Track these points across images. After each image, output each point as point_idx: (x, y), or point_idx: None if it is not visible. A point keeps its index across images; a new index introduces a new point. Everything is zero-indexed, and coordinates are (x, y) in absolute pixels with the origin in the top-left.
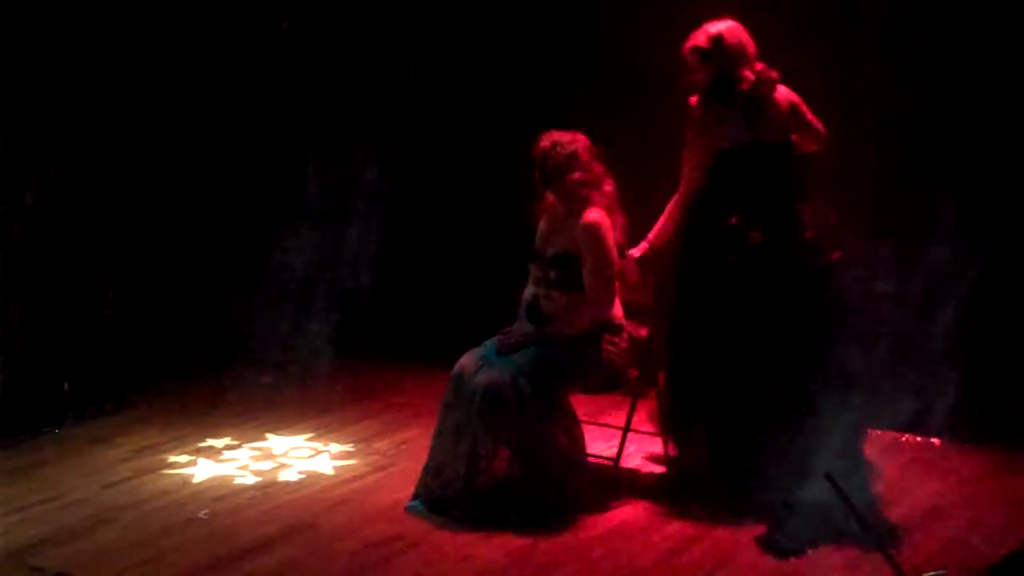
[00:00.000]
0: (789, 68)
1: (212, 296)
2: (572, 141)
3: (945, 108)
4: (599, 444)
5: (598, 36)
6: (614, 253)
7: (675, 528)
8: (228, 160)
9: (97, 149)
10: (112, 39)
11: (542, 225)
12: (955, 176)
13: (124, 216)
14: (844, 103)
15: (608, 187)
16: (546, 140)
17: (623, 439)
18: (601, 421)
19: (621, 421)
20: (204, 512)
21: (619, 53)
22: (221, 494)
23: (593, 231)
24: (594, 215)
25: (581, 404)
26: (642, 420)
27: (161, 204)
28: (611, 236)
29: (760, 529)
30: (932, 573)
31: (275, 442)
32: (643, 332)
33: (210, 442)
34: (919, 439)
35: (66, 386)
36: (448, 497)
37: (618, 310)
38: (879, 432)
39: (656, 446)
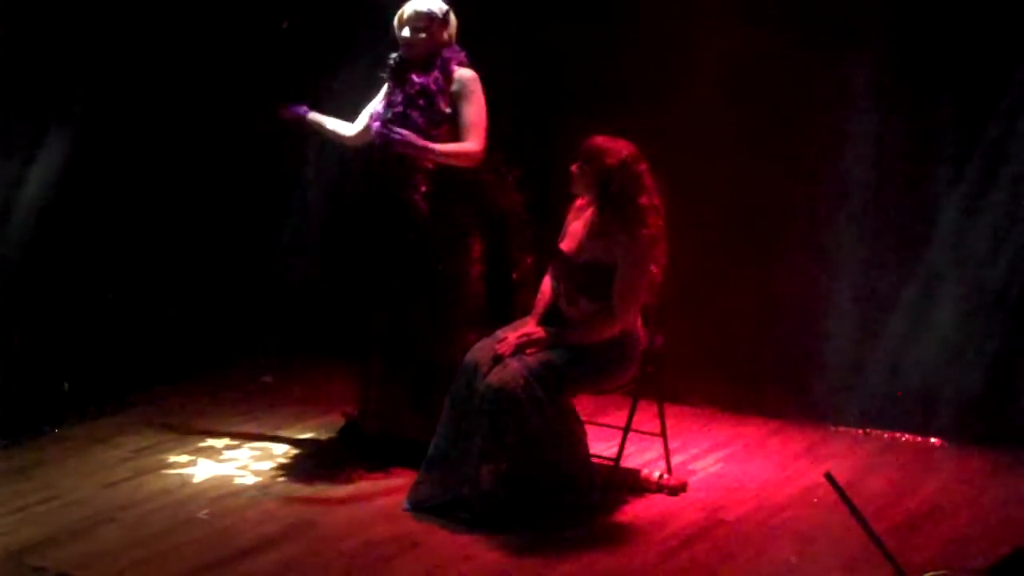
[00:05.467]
0: None
1: (213, 295)
2: (636, 159)
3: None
4: (599, 444)
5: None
6: (650, 276)
7: (675, 528)
8: (226, 161)
9: (96, 149)
10: (109, 38)
11: (574, 225)
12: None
13: (124, 216)
14: None
15: (662, 209)
16: (612, 156)
17: (623, 439)
18: (601, 421)
19: (621, 421)
20: (204, 512)
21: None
22: (221, 494)
23: (642, 250)
24: (641, 231)
25: (581, 404)
26: (642, 420)
27: (161, 204)
28: (651, 257)
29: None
30: (932, 573)
31: (275, 442)
32: (644, 334)
33: (210, 442)
34: (919, 439)
35: (66, 386)
36: (455, 499)
37: (638, 325)
38: (879, 432)
39: (656, 446)
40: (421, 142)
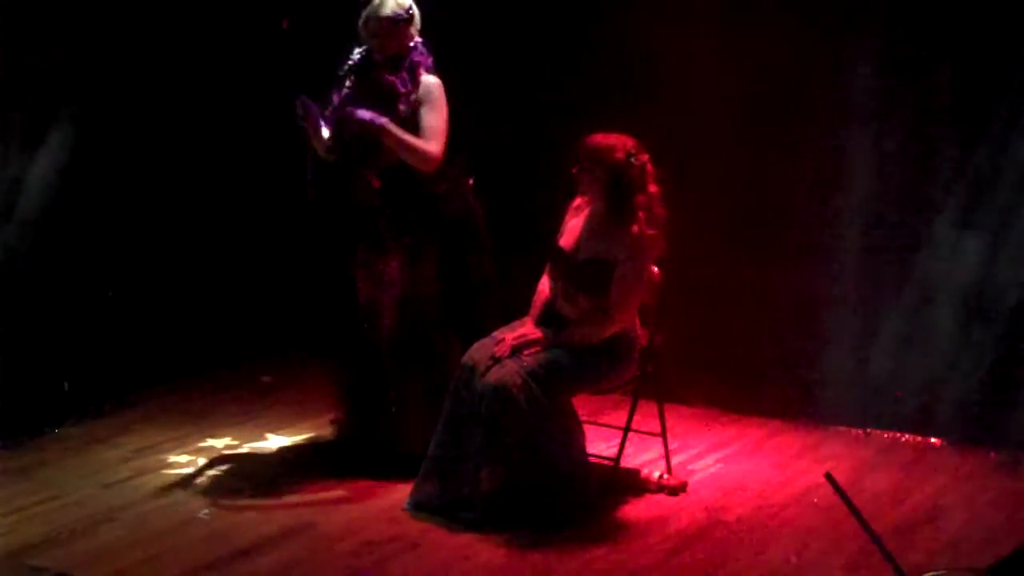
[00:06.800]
0: None
1: (214, 295)
2: (640, 149)
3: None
4: (599, 444)
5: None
6: (649, 271)
7: (675, 528)
8: (225, 160)
9: (96, 149)
10: (110, 35)
11: (573, 223)
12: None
13: (124, 215)
14: None
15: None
16: (618, 151)
17: (623, 439)
18: (601, 421)
19: (621, 421)
20: (204, 512)
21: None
22: (221, 494)
23: (640, 245)
24: (643, 228)
25: (581, 404)
26: (642, 420)
27: (161, 203)
28: (651, 256)
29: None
30: (932, 573)
31: (275, 442)
32: (643, 334)
33: (210, 442)
34: (919, 439)
35: (66, 386)
36: (455, 499)
37: (636, 324)
38: (879, 432)
39: (656, 446)
40: (380, 120)
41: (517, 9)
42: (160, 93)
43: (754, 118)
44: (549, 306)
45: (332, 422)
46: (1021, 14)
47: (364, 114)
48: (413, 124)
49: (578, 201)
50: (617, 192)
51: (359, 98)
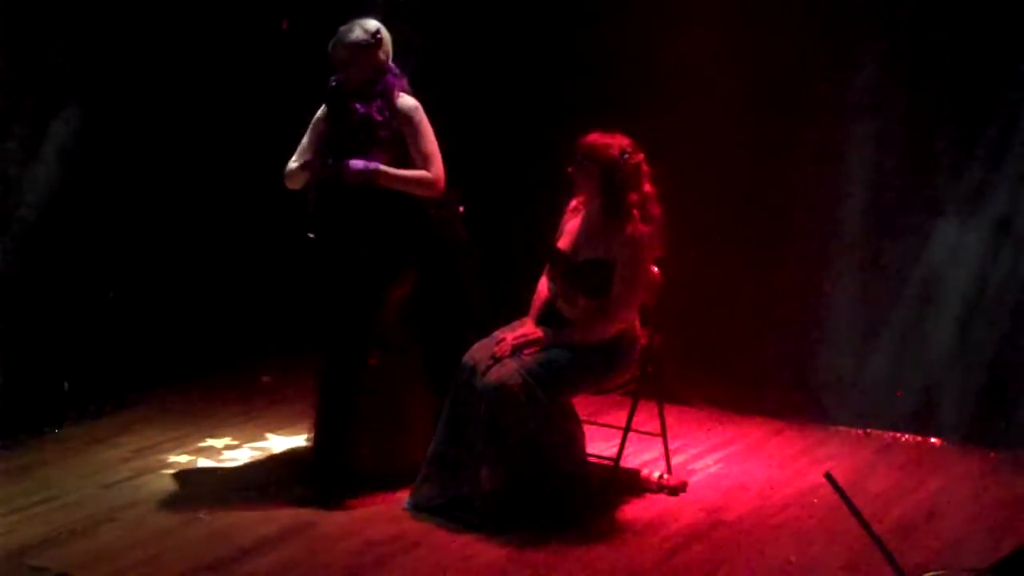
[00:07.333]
0: None
1: (214, 296)
2: (635, 148)
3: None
4: (599, 444)
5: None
6: (648, 271)
7: (675, 528)
8: (226, 160)
9: (96, 149)
10: (112, 33)
11: (570, 225)
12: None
13: (124, 215)
14: None
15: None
16: (613, 148)
17: (623, 439)
18: (601, 421)
19: (621, 421)
20: (204, 512)
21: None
22: (221, 494)
23: (638, 245)
24: (639, 227)
25: (581, 404)
26: (642, 420)
27: (161, 204)
28: (650, 256)
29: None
30: (932, 573)
31: (275, 442)
32: (643, 334)
33: (210, 442)
34: (919, 439)
35: (66, 386)
36: (455, 499)
37: (636, 324)
38: (879, 432)
39: (656, 446)
40: (373, 165)
41: (516, 9)
42: (161, 95)
43: (754, 118)
44: (549, 305)
45: (308, 439)
46: (1021, 11)
47: (356, 164)
48: (398, 147)
49: (575, 203)
50: (610, 189)
51: (336, 132)
